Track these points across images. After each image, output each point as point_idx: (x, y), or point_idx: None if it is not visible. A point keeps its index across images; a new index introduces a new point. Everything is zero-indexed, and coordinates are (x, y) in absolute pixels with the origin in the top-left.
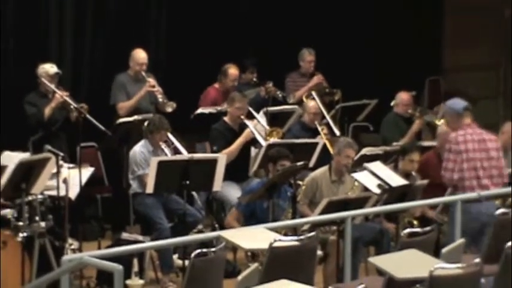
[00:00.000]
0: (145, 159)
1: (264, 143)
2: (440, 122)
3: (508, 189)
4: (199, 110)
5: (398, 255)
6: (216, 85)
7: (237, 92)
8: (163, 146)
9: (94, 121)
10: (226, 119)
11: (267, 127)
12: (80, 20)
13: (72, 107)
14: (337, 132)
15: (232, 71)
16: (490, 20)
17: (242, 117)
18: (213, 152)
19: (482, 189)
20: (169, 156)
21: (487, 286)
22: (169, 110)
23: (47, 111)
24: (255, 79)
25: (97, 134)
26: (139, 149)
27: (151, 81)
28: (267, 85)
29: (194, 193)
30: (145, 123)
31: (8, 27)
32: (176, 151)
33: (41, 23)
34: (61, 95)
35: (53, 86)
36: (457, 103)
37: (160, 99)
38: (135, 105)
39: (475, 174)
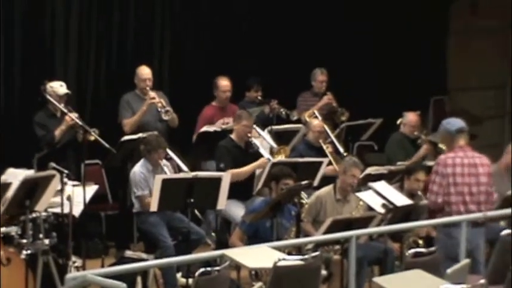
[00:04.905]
0: (144, 180)
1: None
2: (445, 147)
3: (508, 211)
4: (204, 128)
5: (403, 275)
6: (213, 103)
7: (242, 109)
8: (162, 163)
9: (100, 139)
10: (232, 136)
11: (275, 145)
12: (84, 39)
13: (81, 129)
14: (342, 151)
15: (222, 81)
16: (495, 40)
17: (249, 134)
18: (219, 169)
19: (469, 214)
20: (168, 174)
21: None
22: (167, 117)
23: (58, 133)
24: (259, 97)
25: (102, 152)
26: (138, 169)
27: (151, 93)
28: (271, 103)
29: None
30: (142, 143)
31: (14, 46)
32: (178, 168)
33: (46, 42)
34: (72, 117)
35: (61, 107)
36: (452, 123)
37: (160, 109)
38: (139, 121)
39: (462, 199)
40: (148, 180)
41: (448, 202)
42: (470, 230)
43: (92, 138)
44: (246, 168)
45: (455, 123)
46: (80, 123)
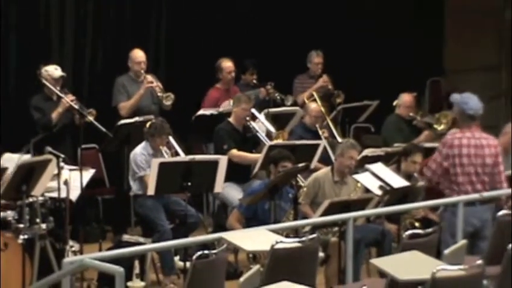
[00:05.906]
0: (146, 161)
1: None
2: (440, 128)
3: (508, 191)
4: (200, 112)
5: (400, 256)
6: (218, 85)
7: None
8: (163, 149)
9: (96, 123)
10: (230, 119)
11: (273, 130)
12: (80, 22)
13: (78, 112)
14: (339, 138)
15: (226, 63)
16: (491, 21)
17: (247, 118)
18: (222, 151)
19: (467, 195)
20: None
21: None
22: (168, 102)
23: (54, 116)
24: (254, 80)
25: (98, 136)
26: (139, 150)
27: (149, 77)
28: (267, 87)
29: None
30: (147, 125)
31: (9, 29)
32: (176, 155)
33: (41, 24)
34: (68, 100)
35: (57, 90)
36: (471, 107)
37: (159, 94)
38: (135, 105)
39: (469, 180)
40: (149, 162)
41: (456, 182)
42: (480, 206)
43: (89, 121)
44: (252, 156)
45: (474, 106)
46: (76, 106)
